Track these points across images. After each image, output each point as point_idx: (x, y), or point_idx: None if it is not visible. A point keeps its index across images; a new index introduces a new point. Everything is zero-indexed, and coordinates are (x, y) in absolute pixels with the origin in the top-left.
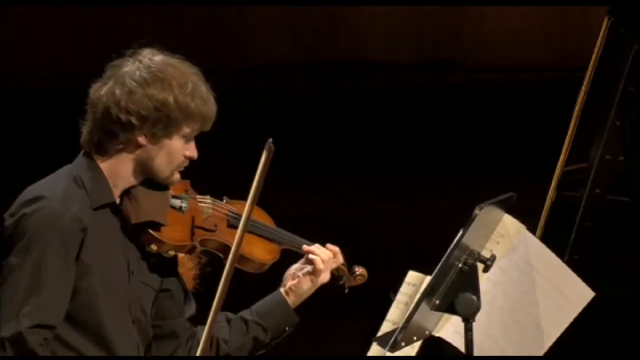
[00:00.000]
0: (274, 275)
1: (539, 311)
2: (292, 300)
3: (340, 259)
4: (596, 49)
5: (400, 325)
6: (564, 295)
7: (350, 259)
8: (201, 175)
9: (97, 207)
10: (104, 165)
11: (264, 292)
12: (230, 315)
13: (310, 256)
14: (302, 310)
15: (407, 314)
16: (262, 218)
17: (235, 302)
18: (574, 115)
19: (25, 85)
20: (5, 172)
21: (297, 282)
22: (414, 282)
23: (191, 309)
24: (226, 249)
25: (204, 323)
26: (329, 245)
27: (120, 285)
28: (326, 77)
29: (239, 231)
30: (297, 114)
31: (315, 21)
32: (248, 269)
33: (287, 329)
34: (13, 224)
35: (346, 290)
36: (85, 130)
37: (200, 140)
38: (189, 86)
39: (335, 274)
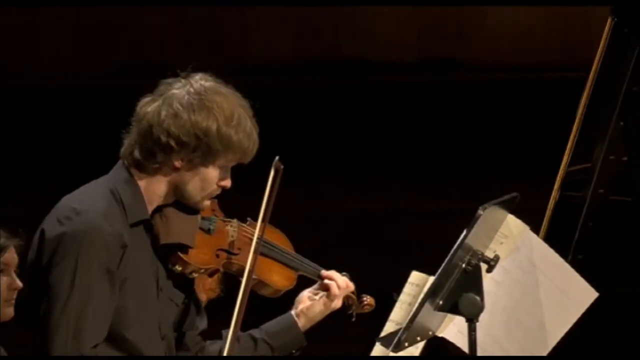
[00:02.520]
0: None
1: (543, 311)
2: (302, 324)
3: (352, 287)
4: (600, 49)
5: (404, 325)
6: (568, 295)
7: (354, 259)
8: None
9: (133, 223)
10: (140, 182)
11: (272, 314)
12: (239, 333)
13: (327, 281)
14: None
15: (411, 314)
16: (281, 242)
17: (246, 321)
18: (578, 115)
19: (25, 85)
20: (5, 172)
21: (310, 305)
22: (418, 282)
23: (203, 323)
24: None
25: (214, 338)
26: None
27: (151, 302)
28: (326, 77)
29: (251, 253)
30: (296, 114)
31: (315, 21)
32: (263, 293)
33: (293, 351)
34: (54, 240)
35: (353, 319)
36: (127, 141)
37: None
38: (235, 118)
39: (345, 303)
